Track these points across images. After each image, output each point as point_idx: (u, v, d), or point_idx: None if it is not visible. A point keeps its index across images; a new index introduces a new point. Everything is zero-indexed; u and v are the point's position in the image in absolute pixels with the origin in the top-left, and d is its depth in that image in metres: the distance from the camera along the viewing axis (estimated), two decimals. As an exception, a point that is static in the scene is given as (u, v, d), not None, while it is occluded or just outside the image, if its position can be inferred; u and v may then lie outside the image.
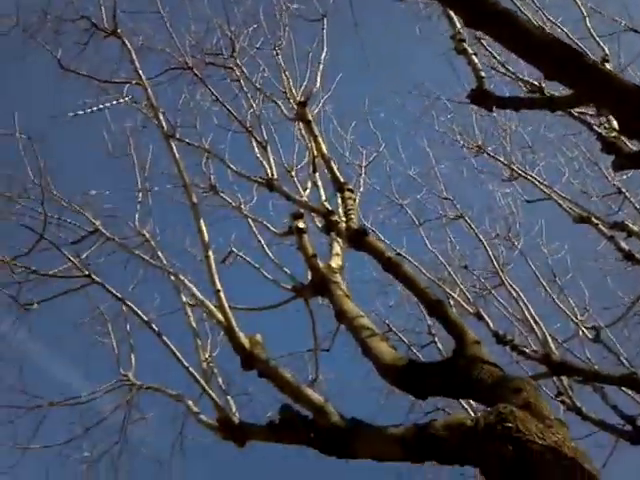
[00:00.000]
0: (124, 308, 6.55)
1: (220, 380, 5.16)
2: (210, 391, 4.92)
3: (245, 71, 6.86)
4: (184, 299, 5.69)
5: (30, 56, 6.23)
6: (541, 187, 8.02)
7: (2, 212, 6.14)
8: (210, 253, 4.89)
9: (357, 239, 5.28)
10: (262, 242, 6.79)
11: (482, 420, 3.59)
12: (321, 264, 5.67)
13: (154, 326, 5.40)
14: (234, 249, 7.17)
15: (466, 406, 7.86)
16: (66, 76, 5.99)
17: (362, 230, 5.24)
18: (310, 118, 6.13)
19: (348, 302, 5.21)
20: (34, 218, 6.17)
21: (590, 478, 3.21)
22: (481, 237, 8.48)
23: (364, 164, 7.71)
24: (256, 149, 6.88)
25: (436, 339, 9.12)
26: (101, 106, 5.79)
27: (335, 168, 5.99)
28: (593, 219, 7.37)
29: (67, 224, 6.33)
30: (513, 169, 8.38)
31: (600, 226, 7.31)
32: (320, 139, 6.11)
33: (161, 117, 5.74)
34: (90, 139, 7.15)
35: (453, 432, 3.63)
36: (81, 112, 5.79)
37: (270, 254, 6.68)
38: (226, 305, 4.70)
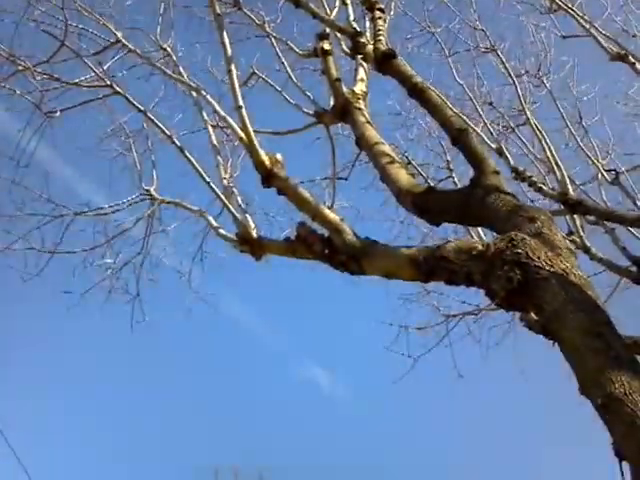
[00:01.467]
0: (145, 123, 6.55)
1: (240, 199, 5.27)
2: (231, 207, 5.04)
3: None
4: (206, 117, 5.64)
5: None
6: (581, 22, 7.51)
7: (20, 16, 5.82)
8: (233, 67, 4.73)
9: (384, 62, 5.08)
10: (285, 64, 6.60)
11: (493, 245, 3.65)
12: (345, 89, 5.54)
13: (176, 141, 5.35)
14: (256, 71, 7.00)
15: (477, 238, 8.00)
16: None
17: (390, 52, 5.02)
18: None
19: (370, 129, 5.15)
20: (54, 26, 5.97)
21: (593, 305, 3.27)
22: (510, 72, 8.12)
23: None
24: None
25: (454, 175, 9.14)
26: None
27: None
28: (630, 57, 6.98)
29: (88, 33, 6.14)
30: (554, 0, 7.83)
31: (637, 65, 6.93)
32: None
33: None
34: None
35: (463, 254, 3.70)
36: None
37: (293, 77, 6.53)
38: (248, 121, 4.62)
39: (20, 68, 5.81)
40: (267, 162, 4.59)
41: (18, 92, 5.88)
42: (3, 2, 6.12)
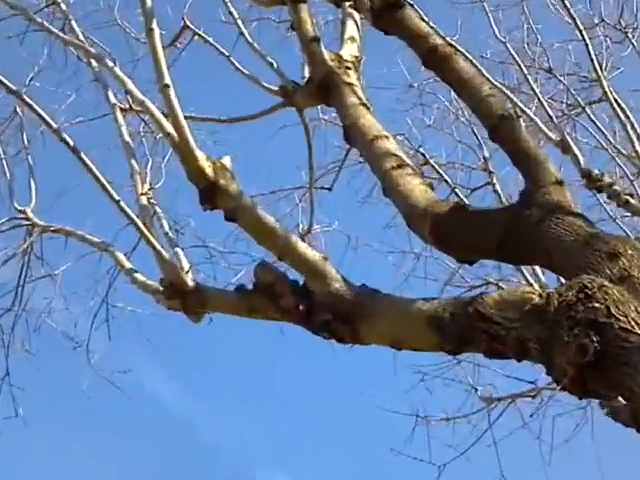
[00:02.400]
0: (19, 107, 6.68)
1: (166, 225, 5.37)
2: (151, 238, 5.01)
3: None
4: (113, 100, 5.69)
5: None
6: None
7: None
8: (155, 26, 4.72)
9: (385, 14, 5.14)
10: (234, 14, 6.68)
11: (556, 297, 3.68)
12: (326, 54, 5.61)
13: (66, 135, 5.29)
14: (190, 24, 7.07)
15: (532, 281, 8.07)
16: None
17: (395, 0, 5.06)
18: None
19: (365, 114, 5.24)
20: None
21: None
22: (578, 22, 8.20)
23: None
24: None
25: (494, 180, 9.20)
26: None
27: None
28: None
29: None
30: None
31: None
32: None
33: None
34: None
35: (511, 310, 3.72)
36: None
37: (246, 34, 6.59)
38: (178, 109, 4.61)
39: None
40: (208, 170, 4.55)
41: None
42: None
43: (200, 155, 4.60)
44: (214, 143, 7.13)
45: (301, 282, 4.34)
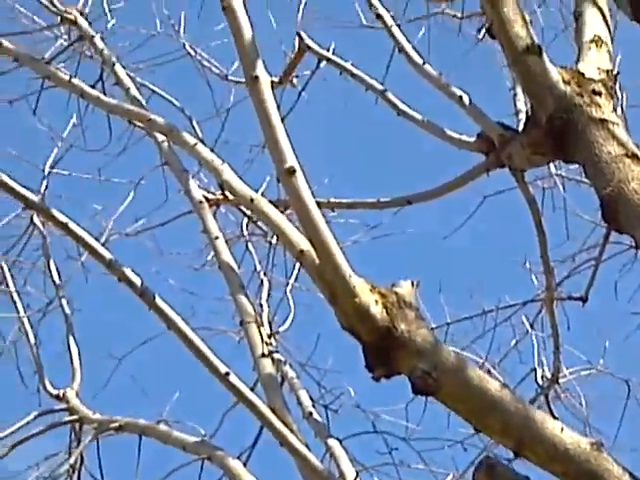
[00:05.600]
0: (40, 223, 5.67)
1: (306, 397, 4.33)
2: (287, 433, 3.96)
3: None
4: (197, 195, 4.78)
5: None
6: None
7: None
8: (260, 70, 3.65)
9: None
10: (386, 19, 5.36)
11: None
12: (556, 73, 4.39)
13: (128, 273, 4.34)
14: (310, 42, 5.63)
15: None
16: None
17: None
18: None
19: (638, 173, 4.10)
20: None
21: None
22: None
23: None
24: None
25: None
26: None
27: None
28: None
29: None
30: None
31: None
32: None
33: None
34: None
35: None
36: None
37: (410, 50, 5.20)
38: (314, 208, 3.62)
39: None
40: (376, 309, 3.54)
41: None
42: None
43: (358, 283, 3.56)
44: (369, 228, 5.91)
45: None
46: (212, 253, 4.83)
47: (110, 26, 6.41)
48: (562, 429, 3.48)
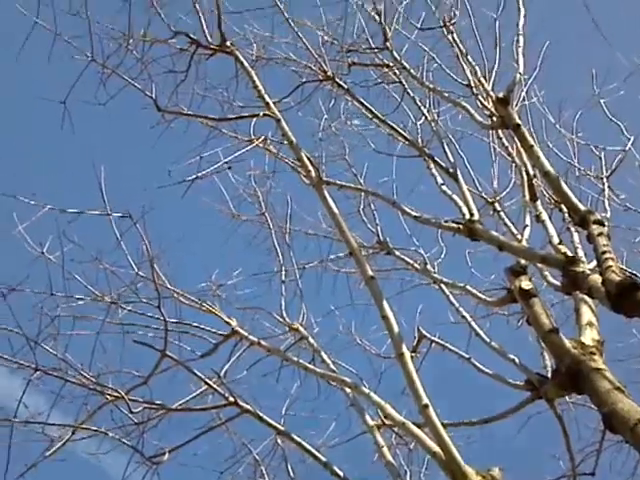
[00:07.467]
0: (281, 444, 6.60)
1: None
2: None
3: (407, 66, 6.95)
4: (370, 422, 5.96)
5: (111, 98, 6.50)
6: None
7: (104, 323, 6.36)
8: (404, 349, 5.06)
9: (625, 297, 5.08)
10: (467, 317, 6.97)
11: None
12: (568, 343, 5.68)
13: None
14: (425, 332, 7.27)
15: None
16: (164, 120, 6.33)
17: (632, 283, 5.01)
18: (518, 121, 6.11)
19: (622, 399, 5.11)
20: (147, 327, 6.58)
21: None
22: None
23: (605, 174, 7.51)
24: (438, 178, 7.07)
25: None
26: (223, 161, 5.95)
27: (568, 190, 5.87)
28: None
29: (192, 327, 6.67)
30: None
31: None
32: (537, 149, 6.05)
33: (304, 157, 6.03)
34: (200, 199, 7.50)
35: None
36: (193, 176, 5.92)
37: (482, 334, 6.82)
38: (441, 428, 4.82)
39: (109, 398, 6.21)
40: None
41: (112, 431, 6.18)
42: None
43: (469, 471, 4.82)
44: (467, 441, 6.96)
45: None
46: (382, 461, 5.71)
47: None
48: None
